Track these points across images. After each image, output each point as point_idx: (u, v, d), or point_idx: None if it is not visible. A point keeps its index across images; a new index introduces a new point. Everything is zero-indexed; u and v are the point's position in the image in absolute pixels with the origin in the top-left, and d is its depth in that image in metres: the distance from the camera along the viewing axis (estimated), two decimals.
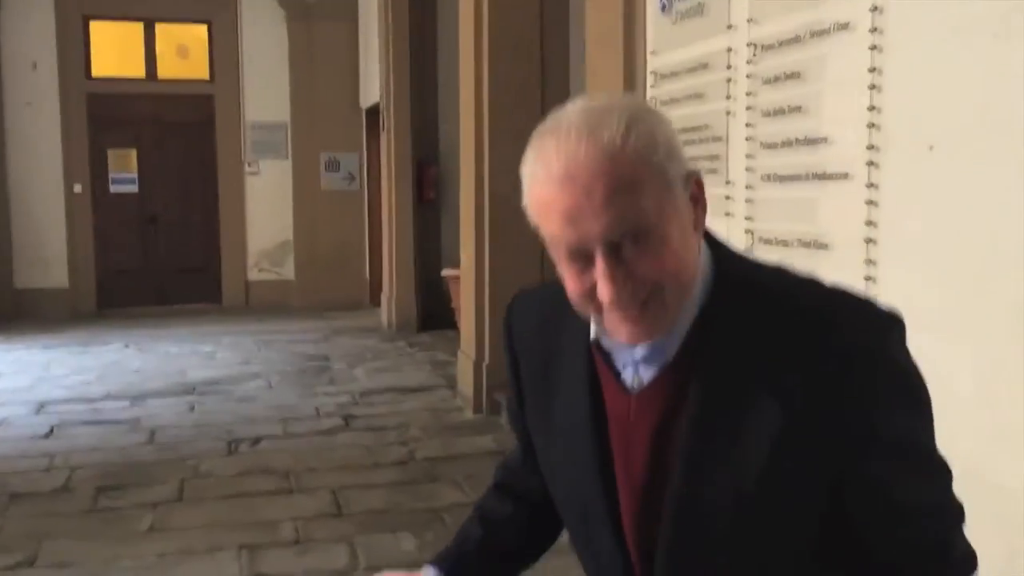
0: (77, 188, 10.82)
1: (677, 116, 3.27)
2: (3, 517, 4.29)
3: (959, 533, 1.10)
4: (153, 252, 11.26)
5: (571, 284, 1.06)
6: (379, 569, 3.61)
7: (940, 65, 2.09)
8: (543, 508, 1.33)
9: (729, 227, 2.96)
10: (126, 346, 8.80)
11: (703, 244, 1.11)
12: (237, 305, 11.37)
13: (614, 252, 1.01)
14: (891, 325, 1.06)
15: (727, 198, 2.97)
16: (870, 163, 2.30)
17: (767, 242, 2.78)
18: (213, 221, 11.42)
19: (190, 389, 6.95)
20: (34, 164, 10.60)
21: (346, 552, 3.88)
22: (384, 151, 9.67)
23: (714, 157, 3.03)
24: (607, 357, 1.15)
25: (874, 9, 2.25)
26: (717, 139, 3.02)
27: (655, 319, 1.05)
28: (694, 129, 3.13)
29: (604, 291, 1.02)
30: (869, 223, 2.31)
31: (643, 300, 1.03)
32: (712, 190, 2.98)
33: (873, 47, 2.26)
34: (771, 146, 2.73)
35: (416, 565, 3.63)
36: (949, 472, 1.10)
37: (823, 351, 1.03)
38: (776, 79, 2.69)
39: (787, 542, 1.08)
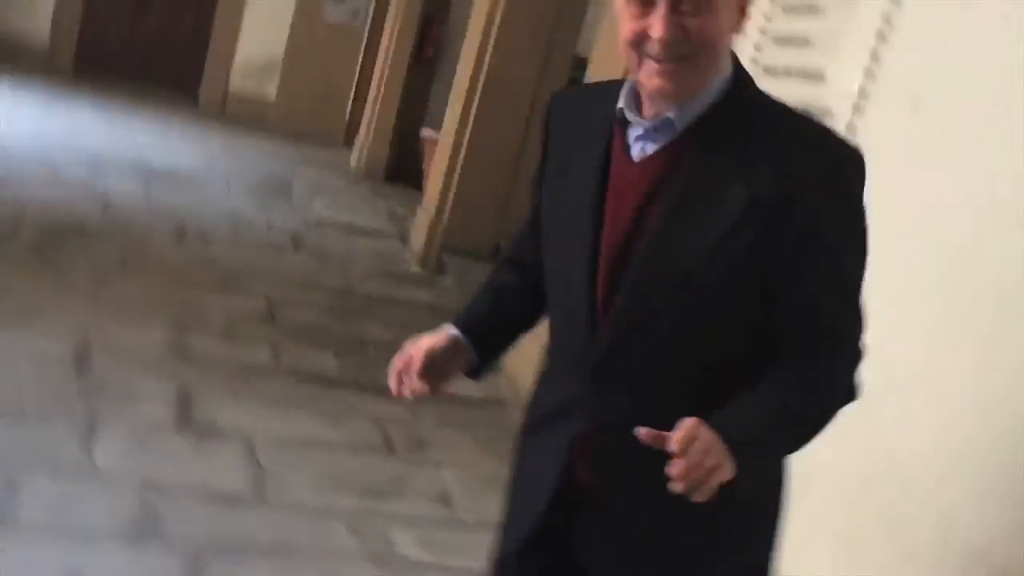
0: None
1: None
2: None
3: (856, 352, 1.31)
4: (140, 31, 10.97)
5: (628, 26, 1.23)
6: (296, 377, 3.76)
7: (946, 32, 2.20)
8: (542, 280, 1.48)
9: None
10: (94, 114, 8.69)
11: (732, 59, 1.30)
12: (212, 109, 11.18)
13: (675, 3, 1.20)
14: (858, 161, 1.26)
15: None
16: (855, 107, 2.43)
17: None
18: (207, 19, 11.15)
19: (150, 171, 6.93)
20: None
21: (269, 353, 4.03)
22: None
23: None
24: (624, 130, 1.32)
25: None
26: None
27: (681, 80, 1.23)
28: None
29: (657, 28, 1.20)
30: None
31: (680, 55, 1.21)
32: None
33: None
34: (772, 72, 2.84)
35: (332, 381, 3.79)
36: (863, 313, 1.30)
37: (797, 160, 1.24)
38: (794, 8, 2.78)
39: (721, 315, 1.28)
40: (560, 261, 1.40)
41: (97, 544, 2.38)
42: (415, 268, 6.24)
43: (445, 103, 7.21)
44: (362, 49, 11.28)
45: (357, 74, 11.27)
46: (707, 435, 1.14)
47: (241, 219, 6.31)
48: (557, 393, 1.42)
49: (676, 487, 1.14)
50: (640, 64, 1.24)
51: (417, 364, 1.40)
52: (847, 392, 1.31)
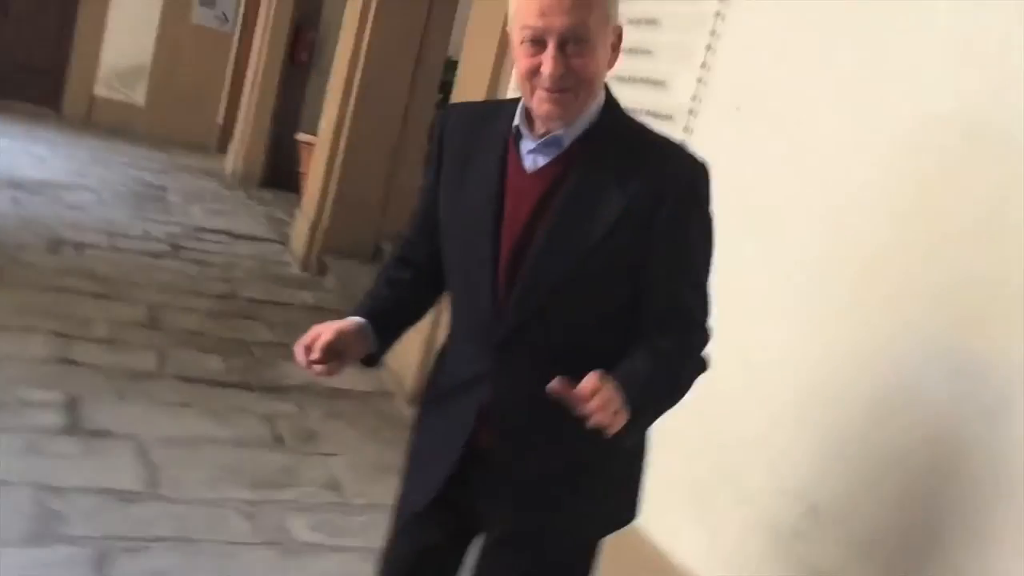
0: None
1: None
2: None
3: (705, 331, 1.60)
4: None
5: (524, 62, 1.50)
6: (182, 380, 3.85)
7: (763, 44, 2.53)
8: (432, 274, 1.72)
9: None
10: None
11: (605, 90, 1.57)
12: (78, 117, 10.92)
13: (562, 46, 1.46)
14: (706, 173, 1.55)
15: None
16: (690, 111, 2.74)
17: None
18: (69, 24, 10.86)
19: (17, 184, 6.81)
20: None
21: (155, 359, 4.11)
22: (263, 2, 9.52)
23: None
24: (518, 142, 1.58)
25: None
26: None
27: (566, 106, 1.50)
28: None
29: (547, 67, 1.47)
30: None
31: (565, 87, 1.48)
32: None
33: (717, 14, 2.68)
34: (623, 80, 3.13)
35: (217, 384, 3.91)
36: (710, 299, 1.60)
37: (659, 173, 1.53)
38: (638, 21, 3.08)
39: (601, 299, 1.56)
40: (463, 258, 1.64)
41: (8, 554, 2.47)
42: (296, 271, 6.35)
43: (320, 107, 7.32)
44: (232, 54, 11.21)
45: (229, 79, 11.20)
46: (610, 386, 1.39)
47: (116, 228, 6.28)
48: (462, 369, 1.65)
49: (592, 422, 1.38)
50: (533, 92, 1.51)
51: (324, 340, 1.56)
52: (702, 362, 1.59)
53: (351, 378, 4.36)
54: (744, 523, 2.35)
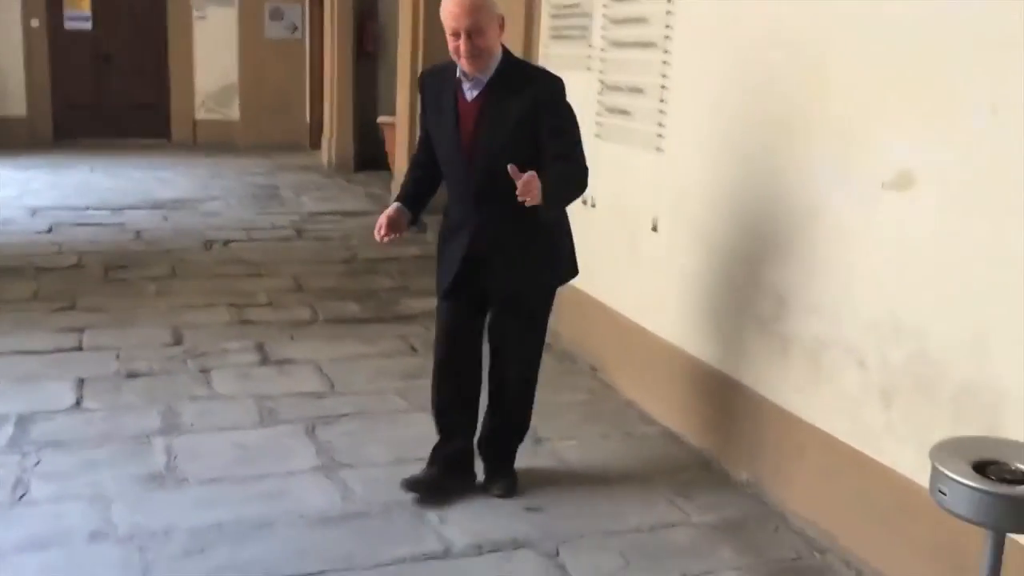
0: (34, 23, 11.50)
1: None
2: (37, 281, 5.55)
3: (583, 165, 2.88)
4: (107, 87, 12.07)
5: (451, 45, 2.79)
6: (333, 322, 4.94)
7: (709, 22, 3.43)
8: (433, 168, 3.06)
9: (589, 78, 4.30)
10: (92, 170, 9.84)
11: (502, 49, 2.87)
12: (185, 141, 12.34)
13: (467, 34, 2.74)
14: (560, 84, 2.87)
15: (588, 57, 4.30)
16: (666, 37, 3.65)
17: (610, 87, 4.13)
18: (163, 62, 12.24)
19: (160, 204, 8.13)
20: None
21: (308, 311, 5.26)
22: (328, 4, 10.61)
23: (583, 28, 4.33)
24: (461, 87, 2.83)
25: None
26: (585, 15, 4.32)
27: (477, 64, 2.80)
28: (570, 6, 4.42)
29: (462, 48, 2.76)
30: (663, 75, 3.69)
31: (474, 55, 2.77)
32: (577, 51, 4.33)
33: None
34: (616, 21, 4.05)
35: (360, 321, 5.08)
36: (582, 148, 2.89)
37: (544, 92, 2.82)
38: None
39: (517, 156, 2.68)
40: (444, 153, 2.98)
41: (250, 433, 3.61)
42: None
43: (394, 90, 8.38)
44: (307, 58, 12.39)
45: (308, 81, 12.39)
46: (537, 180, 2.59)
47: (248, 224, 7.52)
48: (457, 214, 3.01)
49: (525, 197, 2.62)
50: (459, 59, 2.80)
51: (383, 220, 2.99)
52: (584, 181, 2.87)
53: None
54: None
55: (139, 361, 4.29)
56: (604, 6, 4.14)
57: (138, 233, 6.98)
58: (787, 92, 3.08)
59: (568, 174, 2.81)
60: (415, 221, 3.09)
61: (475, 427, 3.22)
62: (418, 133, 3.20)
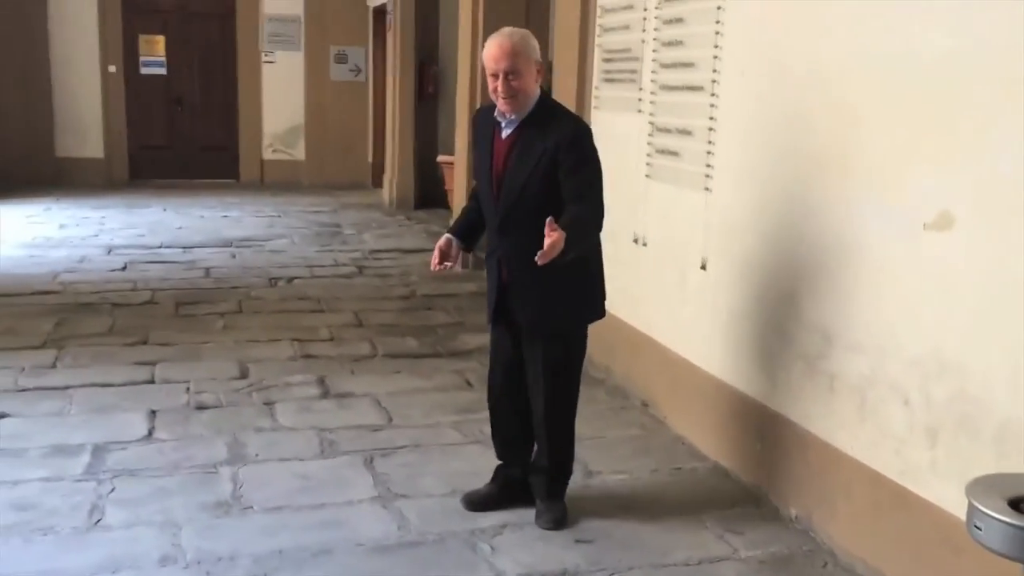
0: (111, 68, 12.06)
1: (611, 40, 4.69)
2: (112, 317, 5.82)
3: (599, 208, 3.03)
4: (179, 130, 12.57)
5: (491, 85, 3.02)
6: (391, 357, 5.08)
7: (754, 25, 3.52)
8: None
9: (640, 121, 4.41)
10: (164, 210, 10.24)
11: (539, 91, 3.07)
12: (253, 182, 12.75)
13: (505, 76, 2.97)
14: (584, 129, 3.09)
15: (639, 100, 4.42)
16: (714, 81, 3.75)
17: (660, 129, 4.24)
18: (232, 105, 12.70)
19: (228, 243, 8.44)
20: (74, 45, 11.80)
21: (368, 346, 5.43)
22: (390, 48, 10.94)
23: (633, 71, 4.46)
24: (499, 125, 3.08)
25: None
26: (635, 59, 4.44)
27: (513, 104, 3.02)
28: (621, 51, 4.55)
29: (500, 88, 2.99)
30: (711, 118, 3.79)
31: (510, 95, 3.00)
32: (628, 94, 4.45)
33: (719, 7, 3.69)
34: (665, 66, 4.17)
35: (417, 356, 5.21)
36: (601, 194, 3.03)
37: (566, 133, 3.00)
38: (671, 21, 4.11)
39: (539, 194, 2.98)
40: (481, 186, 3.23)
41: (311, 464, 3.75)
42: (458, 269, 7.59)
43: (453, 130, 8.59)
44: (370, 99, 12.75)
45: (371, 121, 12.74)
46: (560, 240, 2.72)
47: (312, 261, 7.76)
48: (491, 243, 3.21)
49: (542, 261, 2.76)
50: (497, 99, 3.00)
51: (437, 252, 3.20)
52: (599, 223, 3.03)
53: None
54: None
55: (207, 394, 4.49)
56: (654, 51, 4.27)
57: (207, 271, 7.26)
58: (825, 132, 3.16)
59: (582, 218, 2.95)
60: (469, 249, 3.31)
61: (529, 447, 3.37)
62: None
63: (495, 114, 3.06)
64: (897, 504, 2.83)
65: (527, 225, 2.91)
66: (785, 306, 3.39)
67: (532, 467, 3.34)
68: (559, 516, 3.25)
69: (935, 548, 2.65)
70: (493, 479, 3.41)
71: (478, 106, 7.60)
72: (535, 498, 3.31)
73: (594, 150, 3.06)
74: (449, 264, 3.21)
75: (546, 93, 3.09)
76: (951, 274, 2.63)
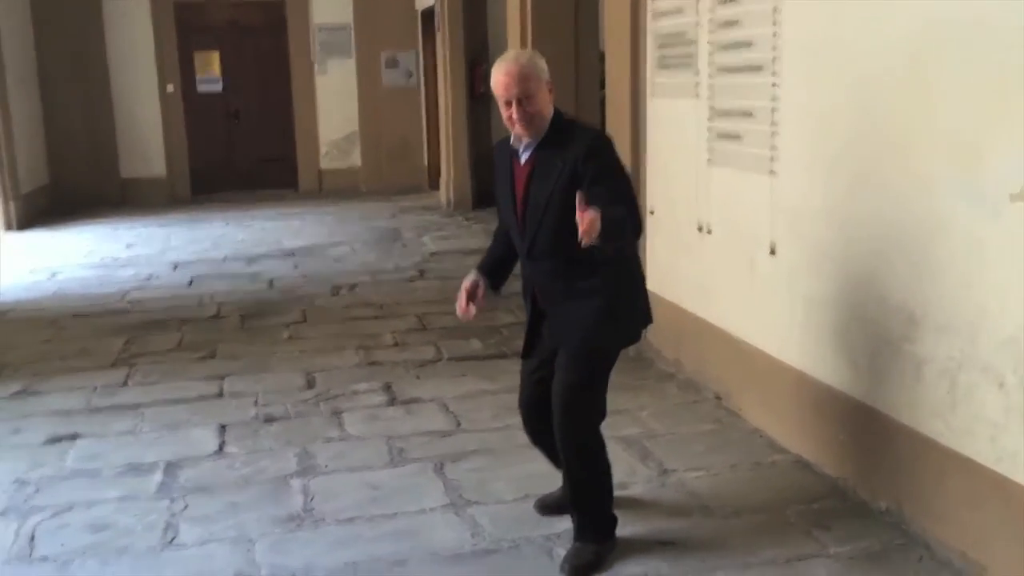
0: (170, 88, 12.25)
1: (664, 25, 4.56)
2: (181, 332, 5.87)
3: (638, 213, 2.82)
4: (237, 144, 12.73)
5: (504, 113, 2.82)
6: (456, 360, 5.02)
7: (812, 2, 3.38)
8: (511, 238, 3.05)
9: (697, 105, 4.28)
10: (226, 223, 10.36)
11: (553, 110, 2.86)
12: (311, 190, 12.85)
13: (518, 102, 2.77)
14: (604, 140, 2.88)
15: (696, 84, 4.28)
16: (774, 59, 3.61)
17: (719, 113, 4.10)
18: (288, 116, 12.81)
19: (290, 253, 8.49)
20: (132, 68, 12.01)
21: (433, 350, 5.38)
22: (440, 50, 10.91)
23: (688, 56, 4.33)
24: (515, 152, 2.92)
25: None
26: (690, 42, 4.31)
27: (530, 129, 2.82)
28: (675, 35, 4.42)
29: (515, 115, 2.79)
30: (773, 98, 3.64)
31: (526, 120, 2.79)
32: (684, 79, 4.32)
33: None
34: (722, 47, 4.03)
35: (482, 358, 5.14)
36: (635, 198, 2.84)
37: (583, 146, 2.77)
38: (725, 1, 3.97)
39: (562, 214, 2.70)
40: (505, 216, 3.03)
41: (381, 473, 3.71)
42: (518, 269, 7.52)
43: (504, 129, 8.52)
44: (423, 101, 12.74)
45: (425, 124, 12.74)
46: (596, 218, 2.51)
47: (373, 267, 7.75)
48: (523, 272, 3.02)
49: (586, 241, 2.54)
50: (512, 126, 2.83)
51: (463, 294, 3.05)
52: (639, 227, 2.79)
53: None
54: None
55: (275, 406, 4.48)
56: (710, 32, 4.13)
57: (271, 282, 7.30)
58: (896, 106, 3.00)
59: (617, 210, 2.65)
60: (497, 287, 3.15)
61: None
62: None
63: (511, 142, 2.92)
64: (995, 493, 2.67)
65: (554, 247, 2.82)
66: (864, 289, 3.24)
67: (566, 499, 3.09)
68: (581, 564, 2.92)
69: None
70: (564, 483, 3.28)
71: None
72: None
73: (617, 160, 2.87)
74: (474, 310, 3.06)
75: (559, 111, 2.89)
76: None
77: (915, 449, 3.00)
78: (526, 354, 3.10)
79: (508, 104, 2.78)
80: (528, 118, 2.78)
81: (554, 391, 2.94)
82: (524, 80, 2.76)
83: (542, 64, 2.83)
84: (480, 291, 3.07)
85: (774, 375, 3.83)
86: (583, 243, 2.54)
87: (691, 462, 3.69)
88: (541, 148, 2.85)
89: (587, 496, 3.00)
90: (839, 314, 3.40)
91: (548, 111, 2.83)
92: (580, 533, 2.99)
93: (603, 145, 2.86)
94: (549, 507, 3.26)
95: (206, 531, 3.23)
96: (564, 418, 2.91)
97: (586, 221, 2.51)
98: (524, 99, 2.76)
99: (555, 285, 2.88)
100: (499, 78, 2.79)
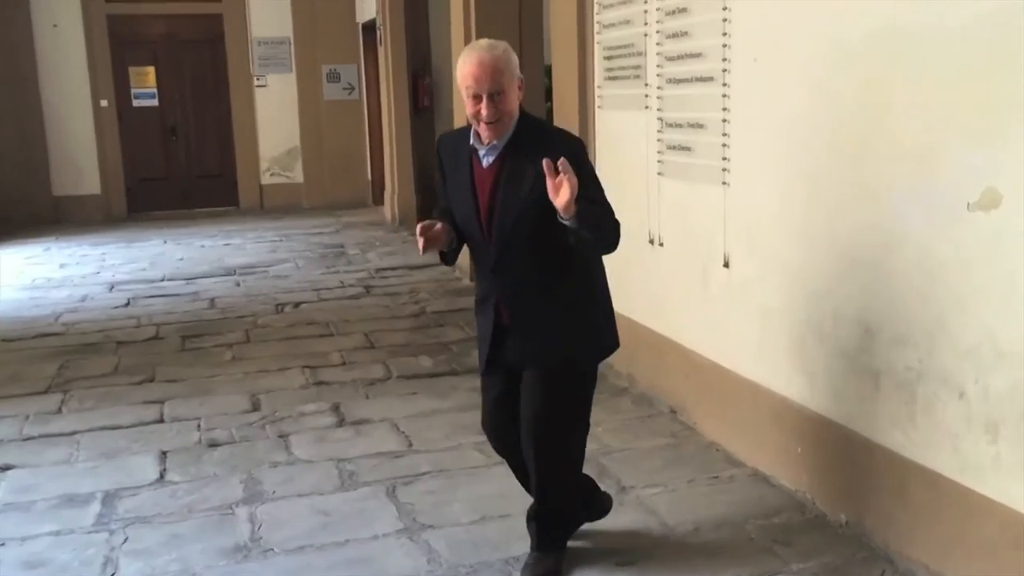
0: (103, 103, 11.92)
1: (612, 36, 4.53)
2: (117, 355, 5.66)
3: (613, 215, 2.65)
4: (175, 160, 12.44)
5: (470, 108, 2.58)
6: (406, 378, 4.88)
7: (765, 6, 3.36)
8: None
9: (647, 117, 4.25)
10: (164, 242, 10.09)
11: (520, 110, 2.65)
12: (253, 207, 12.60)
13: (490, 97, 2.54)
14: (582, 145, 2.72)
15: (646, 96, 4.25)
16: (724, 71, 3.59)
17: (669, 125, 4.07)
18: (227, 131, 12.56)
19: (232, 271, 8.29)
20: (64, 82, 11.67)
21: (382, 368, 5.26)
22: (382, 63, 10.79)
23: (637, 67, 4.29)
24: (476, 153, 2.69)
25: None
26: (639, 54, 4.28)
27: (497, 129, 2.61)
28: (623, 47, 4.39)
29: (484, 112, 2.56)
30: (724, 109, 3.62)
31: (495, 119, 2.58)
32: (633, 91, 4.29)
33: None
34: (671, 59, 4.01)
35: (433, 375, 5.01)
36: (607, 202, 2.65)
37: (553, 148, 2.50)
38: (673, 12, 3.95)
39: (538, 222, 2.58)
40: (463, 221, 2.76)
41: (332, 498, 3.59)
42: (467, 282, 7.44)
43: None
44: (365, 116, 12.60)
45: (368, 139, 12.59)
46: (574, 184, 2.40)
47: (318, 284, 7.60)
48: (484, 286, 2.84)
49: (564, 198, 2.41)
50: (478, 123, 2.59)
51: (430, 233, 2.65)
52: (617, 232, 2.64)
53: None
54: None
55: (219, 430, 4.32)
56: (658, 44, 4.10)
57: (212, 301, 7.10)
58: (851, 114, 2.99)
59: (595, 208, 2.54)
60: (448, 256, 2.82)
61: None
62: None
63: (471, 141, 2.66)
64: (958, 504, 2.65)
65: (526, 260, 2.65)
66: (820, 301, 3.22)
67: (529, 513, 3.00)
68: (546, 570, 2.90)
69: (1006, 551, 2.47)
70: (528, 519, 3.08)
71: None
72: (533, 539, 2.97)
73: (591, 166, 2.74)
74: (428, 247, 2.66)
75: (523, 110, 2.68)
76: (1002, 255, 2.46)
77: (875, 461, 2.98)
78: (488, 370, 2.87)
79: (477, 99, 2.53)
80: (497, 116, 2.55)
81: (526, 418, 2.79)
82: (497, 74, 2.52)
83: (515, 58, 2.61)
84: (439, 227, 2.67)
85: (729, 388, 3.80)
86: (562, 213, 2.42)
87: (648, 478, 3.63)
88: (510, 152, 2.62)
89: (557, 514, 2.96)
90: (794, 326, 3.38)
91: (516, 111, 2.62)
92: (541, 543, 2.94)
93: (582, 151, 2.69)
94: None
95: (148, 565, 3.07)
96: (537, 434, 2.79)
97: (566, 186, 2.37)
98: (496, 94, 2.52)
99: (524, 300, 2.70)
100: (469, 69, 2.53)
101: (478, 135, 2.64)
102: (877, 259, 2.92)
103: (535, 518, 2.96)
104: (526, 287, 2.70)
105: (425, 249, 2.65)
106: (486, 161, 2.66)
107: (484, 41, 2.60)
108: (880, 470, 2.96)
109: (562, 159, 2.39)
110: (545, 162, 2.41)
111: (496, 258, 2.70)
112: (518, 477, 3.08)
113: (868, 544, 3.03)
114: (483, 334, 2.84)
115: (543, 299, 2.71)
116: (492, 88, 2.52)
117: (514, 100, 2.59)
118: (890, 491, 2.92)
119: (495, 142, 2.62)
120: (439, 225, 2.68)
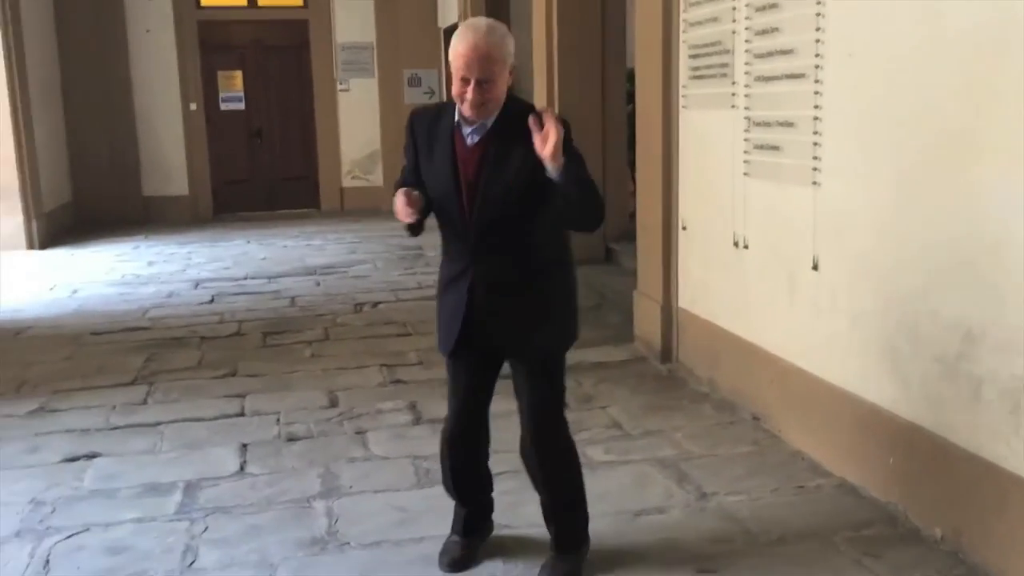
0: (192, 106, 12.24)
1: (698, 35, 4.44)
2: (201, 350, 5.77)
3: (601, 197, 2.58)
4: (259, 163, 12.70)
5: (457, 89, 2.51)
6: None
7: (858, 4, 3.24)
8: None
9: (734, 116, 4.15)
10: (248, 242, 10.30)
11: (508, 93, 2.57)
12: (334, 209, 12.78)
13: (478, 83, 2.48)
14: (568, 126, 2.43)
15: (733, 94, 4.15)
16: (817, 67, 3.48)
17: (757, 123, 3.97)
18: (310, 134, 12.78)
19: (312, 271, 8.40)
20: (155, 86, 12.02)
21: None
22: None
23: (724, 65, 4.20)
24: (460, 129, 2.61)
25: None
26: (726, 51, 4.18)
27: (483, 111, 2.54)
28: (710, 44, 4.29)
29: (469, 95, 2.50)
30: (816, 107, 3.50)
31: (481, 103, 2.52)
32: (719, 90, 4.20)
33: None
34: (760, 56, 3.90)
35: (508, 376, 4.93)
36: (592, 180, 2.54)
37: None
38: (764, 7, 3.85)
39: (525, 204, 2.56)
40: (440, 201, 2.68)
41: (408, 494, 3.58)
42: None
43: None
44: None
45: None
46: (560, 135, 2.37)
47: (396, 285, 7.64)
48: (455, 266, 2.74)
49: (550, 145, 2.37)
50: (463, 103, 2.53)
51: (411, 194, 2.59)
52: (601, 204, 2.56)
53: (608, 352, 5.33)
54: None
55: (298, 424, 4.36)
56: (747, 41, 4.00)
57: (292, 299, 7.20)
58: (952, 112, 2.85)
59: (585, 173, 2.51)
60: (416, 225, 2.71)
61: (490, 480, 3.19)
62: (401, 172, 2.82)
63: (456, 117, 2.61)
64: None
65: (509, 242, 2.62)
66: (916, 304, 3.09)
67: (544, 507, 2.99)
68: (567, 571, 2.89)
69: None
70: (453, 530, 3.10)
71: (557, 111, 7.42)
72: (551, 540, 2.97)
73: (577, 147, 2.58)
74: (414, 213, 2.60)
75: (511, 92, 2.61)
76: None
77: (975, 473, 2.83)
78: (457, 354, 2.81)
79: (465, 81, 2.48)
80: (482, 102, 2.50)
81: (531, 404, 2.86)
82: (488, 61, 2.46)
83: (511, 45, 2.54)
84: (416, 193, 2.61)
85: (816, 394, 3.67)
86: (548, 163, 2.39)
87: (730, 486, 3.54)
88: (497, 131, 2.58)
89: (571, 510, 2.95)
90: (887, 331, 3.25)
91: (503, 96, 2.56)
92: (560, 545, 2.93)
93: (569, 132, 2.50)
94: (458, 563, 3.02)
95: (226, 555, 3.10)
96: (548, 434, 2.89)
97: (553, 133, 2.34)
98: (484, 82, 2.47)
99: (504, 281, 2.65)
100: (461, 50, 2.47)
101: (463, 115, 2.59)
102: (979, 261, 2.78)
103: (551, 520, 2.95)
104: (505, 268, 2.65)
105: (408, 217, 2.60)
106: (471, 140, 2.61)
107: (484, 23, 2.52)
108: (979, 483, 2.81)
109: (545, 107, 2.39)
110: (531, 119, 2.40)
111: (476, 239, 2.64)
112: (461, 485, 3.08)
113: (965, 560, 2.88)
114: (454, 313, 2.75)
115: (524, 283, 2.67)
116: (481, 75, 2.47)
117: (502, 87, 2.54)
118: (990, 505, 2.77)
119: (483, 121, 2.58)
120: (417, 192, 2.62)
